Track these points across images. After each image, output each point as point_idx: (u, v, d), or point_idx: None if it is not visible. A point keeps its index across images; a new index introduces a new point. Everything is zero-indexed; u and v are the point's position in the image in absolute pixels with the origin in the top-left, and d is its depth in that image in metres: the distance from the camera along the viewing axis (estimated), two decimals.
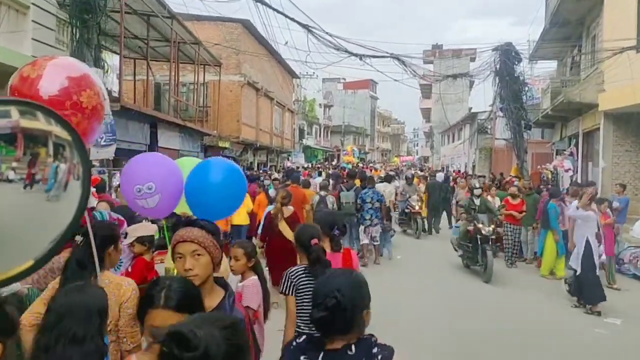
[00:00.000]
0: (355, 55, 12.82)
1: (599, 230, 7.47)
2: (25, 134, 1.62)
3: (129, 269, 4.13)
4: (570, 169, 15.05)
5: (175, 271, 2.20)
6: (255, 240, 7.90)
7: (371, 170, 22.47)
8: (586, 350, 5.84)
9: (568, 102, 15.00)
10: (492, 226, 9.36)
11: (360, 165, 31.86)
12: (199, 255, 2.06)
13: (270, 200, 9.11)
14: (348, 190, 10.37)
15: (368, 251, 10.15)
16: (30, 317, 2.34)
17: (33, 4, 9.16)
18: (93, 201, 5.14)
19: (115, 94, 11.57)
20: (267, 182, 12.89)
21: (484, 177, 19.44)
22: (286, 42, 77.76)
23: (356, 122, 58.79)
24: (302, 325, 3.04)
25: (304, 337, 1.84)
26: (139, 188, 2.87)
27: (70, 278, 2.35)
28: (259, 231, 7.62)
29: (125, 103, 11.67)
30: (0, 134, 1.57)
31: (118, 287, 2.48)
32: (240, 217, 9.76)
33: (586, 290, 7.22)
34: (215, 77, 19.69)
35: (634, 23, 12.95)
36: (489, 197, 11.29)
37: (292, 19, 10.78)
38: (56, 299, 1.98)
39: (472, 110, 37.11)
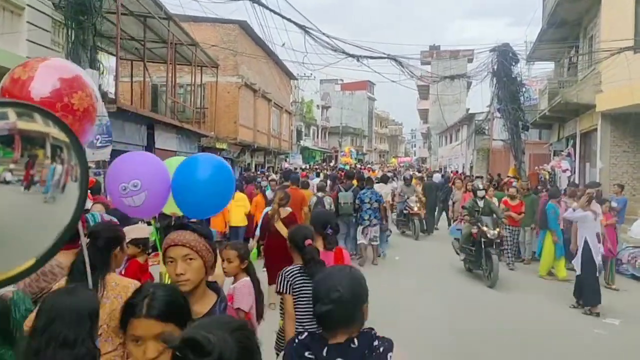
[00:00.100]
0: (353, 56, 12.82)
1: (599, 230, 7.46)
2: (22, 135, 1.62)
3: (122, 272, 4.08)
4: (567, 170, 15.06)
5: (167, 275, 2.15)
6: (251, 242, 7.87)
7: (369, 171, 22.44)
8: (585, 350, 5.84)
9: (565, 102, 14.99)
10: (498, 229, 8.94)
11: (358, 166, 31.81)
12: (191, 259, 2.01)
13: (268, 202, 9.07)
14: (346, 190, 10.35)
15: (365, 251, 10.12)
16: None
17: (28, 5, 9.11)
18: (88, 203, 5.10)
19: (112, 96, 11.52)
20: (264, 183, 12.85)
21: (482, 177, 19.46)
22: (283, 44, 78.01)
23: (354, 124, 58.78)
24: (297, 323, 3.06)
25: (305, 334, 1.86)
26: (124, 186, 2.80)
27: (76, 280, 2.32)
28: (257, 232, 7.57)
29: (122, 104, 11.62)
30: None
31: (126, 289, 2.43)
32: (238, 219, 9.76)
33: (586, 292, 7.22)
34: (213, 79, 19.64)
35: (632, 23, 12.97)
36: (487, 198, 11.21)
37: (289, 20, 10.77)
38: (46, 301, 1.94)
39: (470, 112, 37.04)
